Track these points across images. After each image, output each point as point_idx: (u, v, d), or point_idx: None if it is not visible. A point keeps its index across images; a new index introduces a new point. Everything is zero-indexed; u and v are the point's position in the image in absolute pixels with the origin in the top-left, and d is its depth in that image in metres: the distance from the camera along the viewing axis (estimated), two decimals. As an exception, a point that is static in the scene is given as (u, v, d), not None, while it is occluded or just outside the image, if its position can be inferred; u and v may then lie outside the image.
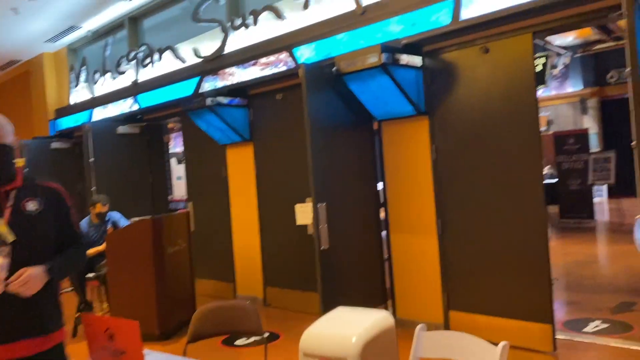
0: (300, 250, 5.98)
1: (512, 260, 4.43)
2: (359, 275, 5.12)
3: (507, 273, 4.46)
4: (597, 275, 7.00)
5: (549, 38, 9.21)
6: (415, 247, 5.07)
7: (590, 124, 13.67)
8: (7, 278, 2.01)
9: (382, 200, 5.39)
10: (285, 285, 6.25)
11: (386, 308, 5.30)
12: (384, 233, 5.41)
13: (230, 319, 3.19)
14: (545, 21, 4.11)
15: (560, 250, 8.04)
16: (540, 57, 9.38)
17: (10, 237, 2.07)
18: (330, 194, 4.80)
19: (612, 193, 12.59)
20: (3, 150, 2.12)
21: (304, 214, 5.53)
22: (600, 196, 13.15)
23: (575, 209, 10.60)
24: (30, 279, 2.03)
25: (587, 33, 10.28)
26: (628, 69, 2.83)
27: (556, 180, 10.91)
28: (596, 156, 10.67)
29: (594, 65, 13.95)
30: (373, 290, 5.25)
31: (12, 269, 2.02)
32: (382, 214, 5.43)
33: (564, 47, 11.78)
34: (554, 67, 12.81)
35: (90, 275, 5.73)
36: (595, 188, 11.31)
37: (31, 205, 2.16)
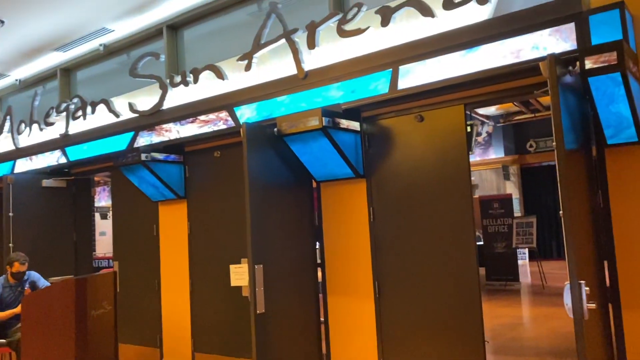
0: (233, 314, 5.77)
1: (447, 322, 4.48)
2: (295, 340, 4.97)
3: (441, 336, 4.50)
4: (524, 337, 7.20)
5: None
6: (352, 310, 5.03)
7: (512, 189, 14.47)
8: None
9: (319, 261, 5.36)
10: (215, 351, 5.97)
11: (322, 374, 5.17)
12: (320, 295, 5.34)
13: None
14: (476, 94, 4.38)
15: (488, 313, 8.23)
16: (467, 124, 9.92)
17: None
18: (268, 254, 4.71)
19: (533, 256, 13.23)
20: None
21: (238, 275, 5.39)
22: (523, 259, 13.76)
23: (501, 271, 11.00)
24: None
25: (509, 105, 11.06)
26: (554, 143, 3.02)
27: (481, 243, 11.34)
28: (519, 220, 11.23)
29: (514, 134, 14.95)
30: (309, 354, 5.10)
31: None
32: (319, 276, 5.37)
33: (487, 117, 12.60)
34: (478, 134, 13.60)
35: (2, 341, 5.24)
36: (518, 251, 11.84)
37: None
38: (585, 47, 3.63)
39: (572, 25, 3.74)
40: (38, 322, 4.88)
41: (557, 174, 3.02)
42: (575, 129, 3.44)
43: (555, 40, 3.79)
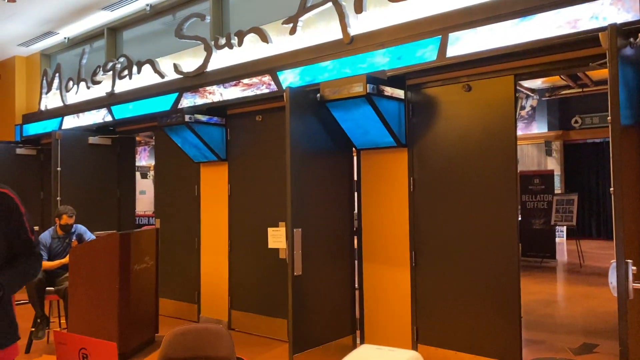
0: (269, 275, 5.89)
1: (483, 296, 4.47)
2: (329, 304, 5.06)
3: (477, 309, 4.50)
4: (558, 315, 7.13)
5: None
6: (387, 278, 5.07)
7: (553, 165, 14.11)
8: None
9: (356, 228, 5.39)
10: (251, 310, 6.14)
11: (355, 338, 5.26)
12: (356, 262, 5.40)
13: (203, 343, 3.07)
14: (528, 65, 4.25)
15: (523, 289, 8.09)
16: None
17: None
18: (306, 219, 4.77)
19: (571, 234, 12.97)
20: None
21: (276, 237, 5.49)
22: (561, 237, 13.51)
23: (537, 248, 10.84)
24: None
25: (555, 78, 10.68)
26: (609, 117, 2.92)
27: (519, 218, 11.16)
28: (560, 197, 10.99)
29: (559, 110, 14.48)
30: (342, 319, 5.20)
31: None
32: (355, 243, 5.41)
33: (532, 90, 12.20)
34: (522, 108, 13.23)
35: (51, 288, 5.50)
36: (556, 228, 11.62)
37: None
38: (649, 18, 3.46)
39: (636, -6, 3.56)
40: (84, 272, 5.09)
41: (611, 150, 2.93)
42: (631, 105, 3.31)
43: (616, 10, 3.62)
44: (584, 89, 11.15)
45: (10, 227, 2.12)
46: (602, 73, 8.37)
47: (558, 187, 13.53)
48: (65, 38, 8.78)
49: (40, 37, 8.74)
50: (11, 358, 2.13)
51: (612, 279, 2.94)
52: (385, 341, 5.02)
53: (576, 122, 14.02)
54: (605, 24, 3.52)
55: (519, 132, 14.17)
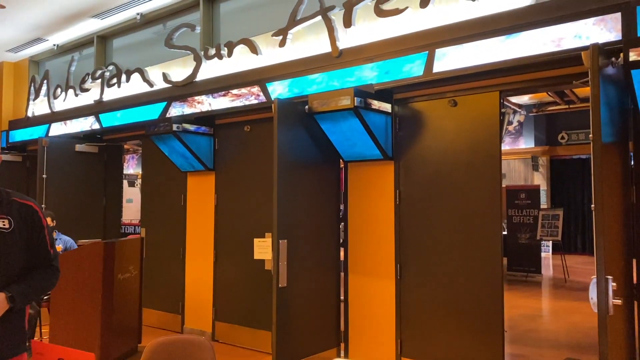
0: (254, 286, 5.87)
1: (467, 309, 4.49)
2: (314, 316, 5.05)
3: (461, 322, 4.51)
4: (542, 329, 7.16)
5: (506, 96, 9.67)
6: (373, 290, 5.07)
7: (539, 180, 14.24)
8: None
9: (342, 240, 5.40)
10: (235, 321, 6.10)
11: (339, 351, 5.24)
12: (342, 274, 5.39)
13: (185, 354, 3.06)
14: (513, 81, 4.31)
15: (507, 303, 8.14)
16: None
17: None
18: (292, 230, 4.78)
19: (557, 249, 13.07)
20: None
21: (262, 248, 5.47)
22: (546, 251, 13.61)
23: (523, 262, 10.90)
24: None
25: (542, 95, 10.82)
26: (591, 135, 2.97)
27: (505, 233, 11.24)
28: (545, 212, 11.08)
29: (546, 125, 14.65)
30: (327, 331, 5.18)
31: None
32: (341, 254, 5.42)
33: (519, 105, 12.34)
34: (509, 123, 13.36)
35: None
36: (542, 243, 11.70)
37: (3, 223, 2.06)
38: (630, 38, 3.53)
39: (618, 15, 3.63)
40: (67, 281, 5.02)
41: (592, 167, 2.98)
42: (613, 122, 3.37)
43: (599, 30, 3.69)
44: (570, 106, 11.31)
45: (32, 239, 2.18)
46: (588, 90, 8.47)
47: (544, 202, 13.65)
48: (54, 45, 8.75)
49: (29, 43, 8.70)
50: None
51: (593, 294, 2.97)
52: (370, 354, 5.02)
53: (562, 137, 14.19)
54: (588, 43, 3.58)
55: (506, 147, 14.33)
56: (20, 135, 9.15)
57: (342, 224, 5.41)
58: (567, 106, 11.41)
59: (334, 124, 4.87)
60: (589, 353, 5.65)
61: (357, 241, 5.22)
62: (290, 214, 4.77)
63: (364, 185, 5.19)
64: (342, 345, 5.27)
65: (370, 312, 5.08)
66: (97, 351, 4.92)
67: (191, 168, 6.52)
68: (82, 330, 4.97)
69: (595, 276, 2.91)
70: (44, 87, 8.63)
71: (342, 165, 5.45)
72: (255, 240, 5.47)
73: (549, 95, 10.61)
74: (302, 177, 4.99)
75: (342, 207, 5.46)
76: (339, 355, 5.21)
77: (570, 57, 3.75)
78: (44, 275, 2.22)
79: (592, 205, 2.96)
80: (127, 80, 7.22)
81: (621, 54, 3.46)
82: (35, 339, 5.49)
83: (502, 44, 4.10)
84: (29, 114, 8.99)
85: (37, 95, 8.82)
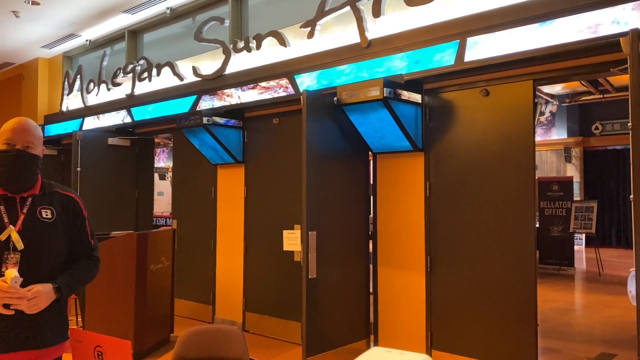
0: (284, 278, 5.91)
1: (499, 303, 4.43)
2: (344, 307, 5.06)
3: (492, 316, 4.46)
4: (575, 323, 7.03)
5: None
6: (402, 283, 5.05)
7: (572, 172, 13.94)
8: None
9: (371, 232, 5.38)
10: (265, 312, 6.15)
11: (368, 342, 5.24)
12: (370, 266, 5.38)
13: (217, 343, 3.10)
14: (547, 70, 4.21)
15: (540, 296, 8.01)
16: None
17: (19, 245, 2.01)
18: (321, 222, 4.78)
19: (590, 242, 12.79)
20: (32, 160, 2.10)
21: (291, 240, 5.49)
22: (579, 244, 13.33)
23: (555, 255, 10.71)
24: (38, 298, 1.97)
25: (575, 84, 10.57)
26: (630, 124, 2.89)
27: (537, 225, 11.03)
28: (579, 205, 10.85)
29: (579, 116, 14.31)
30: (356, 323, 5.19)
31: (21, 276, 1.96)
32: (370, 247, 5.40)
33: (552, 95, 12.08)
34: (541, 114, 13.09)
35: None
36: (575, 236, 11.47)
37: (45, 213, 2.11)
38: (671, 23, 3.41)
39: (658, -1, 3.51)
40: (101, 270, 5.11)
41: (631, 156, 2.89)
42: (653, 111, 3.26)
43: (638, 15, 3.57)
44: (605, 95, 11.02)
45: (74, 229, 2.23)
46: (624, 79, 8.24)
47: (577, 194, 13.36)
48: (87, 40, 8.92)
49: (62, 40, 8.89)
50: (62, 354, 2.22)
51: (632, 287, 2.90)
52: (399, 346, 4.99)
53: (597, 128, 13.83)
54: (627, 28, 3.47)
55: (538, 138, 14.03)
56: (55, 129, 9.38)
57: (371, 216, 5.40)
58: (601, 96, 11.12)
59: (363, 115, 4.84)
60: (624, 348, 5.52)
61: (386, 233, 5.20)
62: (319, 205, 4.78)
63: (394, 177, 5.16)
64: (372, 337, 5.27)
65: (400, 305, 5.06)
66: (130, 340, 5.01)
67: (221, 161, 6.58)
68: (115, 319, 5.08)
69: (635, 269, 2.84)
70: (77, 82, 8.82)
71: (370, 157, 5.42)
72: (285, 232, 5.50)
73: (583, 84, 10.36)
74: (330, 169, 4.98)
75: (371, 198, 5.44)
76: (368, 346, 5.21)
77: (607, 44, 3.65)
78: (87, 265, 2.28)
79: (631, 196, 2.88)
80: (158, 74, 7.32)
81: (662, 40, 3.34)
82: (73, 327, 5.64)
83: (536, 32, 4.00)
84: (63, 109, 9.20)
85: (70, 90, 9.02)
